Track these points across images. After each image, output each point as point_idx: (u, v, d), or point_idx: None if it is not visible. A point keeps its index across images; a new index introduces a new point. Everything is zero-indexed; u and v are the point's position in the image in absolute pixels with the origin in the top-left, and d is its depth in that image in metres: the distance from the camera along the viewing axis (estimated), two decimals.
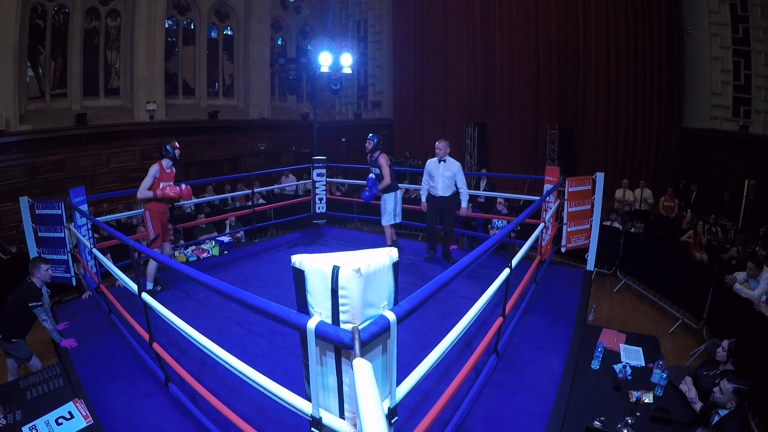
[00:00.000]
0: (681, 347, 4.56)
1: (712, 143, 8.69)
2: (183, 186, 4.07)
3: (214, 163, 11.10)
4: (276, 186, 8.40)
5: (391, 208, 4.77)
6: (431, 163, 4.62)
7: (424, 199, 4.76)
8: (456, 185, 4.56)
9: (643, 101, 9.40)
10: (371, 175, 4.80)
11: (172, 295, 4.07)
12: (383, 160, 4.69)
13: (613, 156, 9.92)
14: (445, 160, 4.52)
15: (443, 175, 4.53)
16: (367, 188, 4.75)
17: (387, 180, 4.66)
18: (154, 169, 3.98)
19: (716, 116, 8.60)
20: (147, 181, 3.94)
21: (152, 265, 4.09)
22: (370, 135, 4.83)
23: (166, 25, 10.09)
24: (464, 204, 4.58)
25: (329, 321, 1.27)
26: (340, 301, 1.24)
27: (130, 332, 3.17)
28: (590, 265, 4.60)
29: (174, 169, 4.16)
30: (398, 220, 4.85)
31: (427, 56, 12.84)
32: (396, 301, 1.40)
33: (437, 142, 4.55)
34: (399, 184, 4.85)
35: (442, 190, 4.58)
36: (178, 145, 4.11)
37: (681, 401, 2.68)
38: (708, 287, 4.70)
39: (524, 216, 2.96)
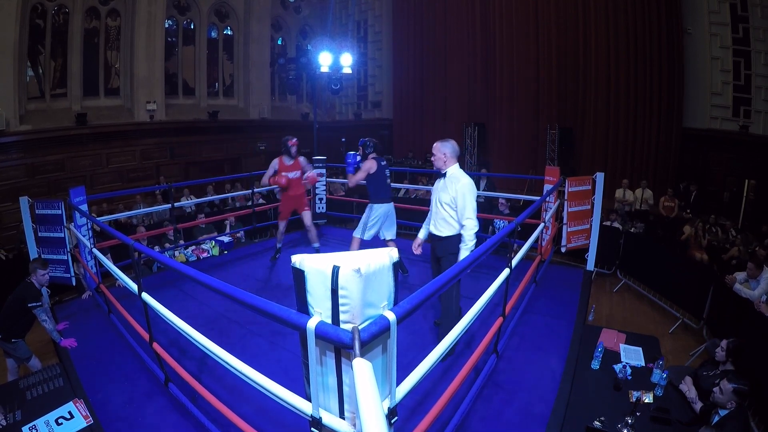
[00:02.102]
0: (681, 347, 4.56)
1: (712, 143, 8.69)
2: (309, 173, 4.70)
3: (214, 163, 11.10)
4: (275, 186, 8.37)
5: (363, 220, 4.22)
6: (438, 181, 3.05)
7: (421, 235, 3.20)
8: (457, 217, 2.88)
9: (643, 101, 9.40)
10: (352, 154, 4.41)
11: (172, 295, 4.07)
12: (365, 164, 4.18)
13: (613, 156, 9.92)
14: (444, 175, 2.93)
15: (439, 199, 2.95)
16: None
17: (353, 179, 4.26)
18: (274, 163, 4.67)
19: (716, 116, 8.60)
20: (268, 171, 4.65)
21: (281, 229, 4.94)
22: (361, 140, 4.34)
23: (166, 25, 10.09)
24: (463, 253, 2.83)
25: (329, 321, 1.27)
26: (340, 301, 1.24)
27: (130, 332, 3.17)
28: (590, 265, 4.59)
29: (294, 161, 4.70)
30: (367, 237, 4.17)
31: (427, 56, 12.83)
32: (396, 301, 1.40)
33: (434, 145, 2.97)
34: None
35: (435, 222, 2.99)
36: (295, 142, 4.66)
37: (681, 401, 2.68)
38: (708, 287, 4.70)
39: (524, 216, 2.96)
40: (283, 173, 4.59)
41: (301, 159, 4.73)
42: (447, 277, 1.69)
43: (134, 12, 9.36)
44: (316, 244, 4.97)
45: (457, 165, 2.93)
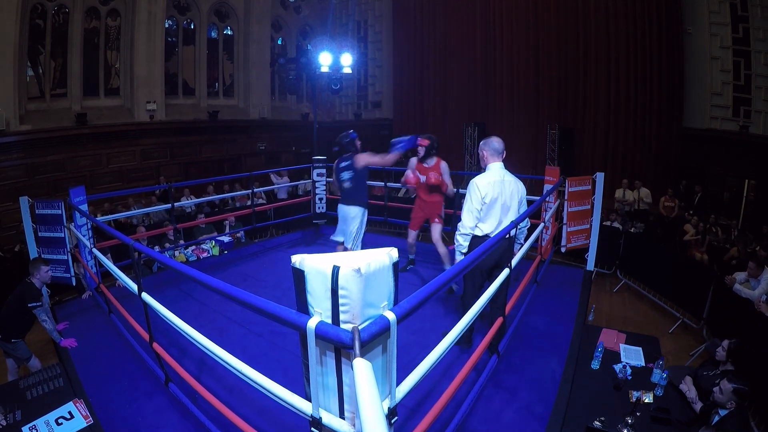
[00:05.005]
0: (681, 347, 4.57)
1: (712, 143, 8.69)
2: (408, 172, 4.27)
3: (214, 163, 11.10)
4: (274, 186, 8.38)
5: (356, 228, 3.98)
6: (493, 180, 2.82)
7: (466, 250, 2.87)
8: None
9: (643, 101, 9.40)
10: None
11: (172, 295, 4.07)
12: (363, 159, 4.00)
13: (613, 156, 9.92)
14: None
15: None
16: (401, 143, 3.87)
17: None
18: (412, 161, 4.30)
19: (716, 116, 8.60)
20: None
21: (410, 240, 4.55)
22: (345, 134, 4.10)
23: (166, 25, 10.09)
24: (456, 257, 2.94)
25: (329, 321, 1.27)
26: (340, 301, 1.24)
27: (130, 332, 3.17)
28: (590, 265, 4.59)
29: (428, 162, 4.19)
30: (358, 247, 4.04)
31: (427, 56, 12.84)
32: (396, 301, 1.40)
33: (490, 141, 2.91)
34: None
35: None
36: (425, 141, 4.19)
37: (681, 401, 2.68)
38: (708, 287, 4.70)
39: (524, 216, 2.95)
40: (419, 174, 4.17)
41: (443, 164, 4.13)
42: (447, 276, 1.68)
43: (134, 12, 9.35)
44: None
45: (492, 163, 2.90)
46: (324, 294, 1.26)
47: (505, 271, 2.52)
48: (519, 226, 2.78)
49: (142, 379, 2.79)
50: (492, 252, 2.54)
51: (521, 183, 2.93)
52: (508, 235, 2.57)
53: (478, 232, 2.84)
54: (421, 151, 4.13)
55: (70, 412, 2.34)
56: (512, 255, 2.72)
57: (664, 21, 8.91)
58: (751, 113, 8.14)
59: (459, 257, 2.85)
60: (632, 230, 7.08)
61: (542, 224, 4.01)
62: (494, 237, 2.37)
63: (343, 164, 4.06)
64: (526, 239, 3.07)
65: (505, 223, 2.78)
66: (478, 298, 2.14)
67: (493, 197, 2.78)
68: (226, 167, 11.16)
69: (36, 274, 3.28)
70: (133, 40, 9.45)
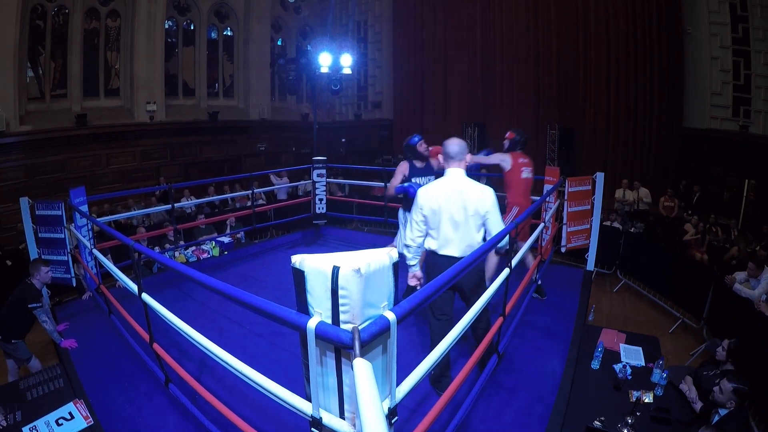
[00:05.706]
0: (681, 347, 4.57)
1: (712, 143, 8.69)
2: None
3: (214, 164, 11.11)
4: (273, 187, 8.39)
5: None
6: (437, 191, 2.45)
7: (418, 265, 2.56)
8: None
9: (643, 101, 9.40)
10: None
11: (172, 295, 4.07)
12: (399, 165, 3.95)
13: (613, 156, 9.92)
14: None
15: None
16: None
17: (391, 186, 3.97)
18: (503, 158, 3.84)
19: (716, 116, 8.60)
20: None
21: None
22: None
23: (166, 26, 10.10)
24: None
25: (329, 321, 1.27)
26: (340, 301, 1.24)
27: (131, 333, 3.17)
28: (590, 265, 4.59)
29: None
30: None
31: (427, 57, 12.84)
32: (396, 301, 1.41)
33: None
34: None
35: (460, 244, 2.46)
36: (509, 135, 3.91)
37: (681, 401, 2.68)
38: (708, 287, 4.70)
39: (524, 216, 2.96)
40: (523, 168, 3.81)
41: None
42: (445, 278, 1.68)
43: (134, 13, 9.36)
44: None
45: (449, 168, 2.49)
46: (324, 294, 1.26)
47: (502, 274, 2.51)
48: (498, 247, 2.41)
49: (142, 380, 2.79)
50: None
51: (487, 193, 2.40)
52: (506, 252, 2.36)
53: (428, 246, 2.51)
54: (506, 144, 3.92)
55: (70, 413, 2.34)
56: (483, 284, 2.53)
57: (664, 21, 8.92)
58: (751, 113, 8.14)
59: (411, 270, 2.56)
60: (632, 230, 7.08)
61: (542, 224, 4.01)
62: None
63: (420, 165, 3.87)
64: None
65: (460, 240, 2.40)
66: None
67: (433, 209, 2.39)
68: (226, 168, 11.17)
69: (36, 274, 3.28)
70: (133, 41, 9.46)
